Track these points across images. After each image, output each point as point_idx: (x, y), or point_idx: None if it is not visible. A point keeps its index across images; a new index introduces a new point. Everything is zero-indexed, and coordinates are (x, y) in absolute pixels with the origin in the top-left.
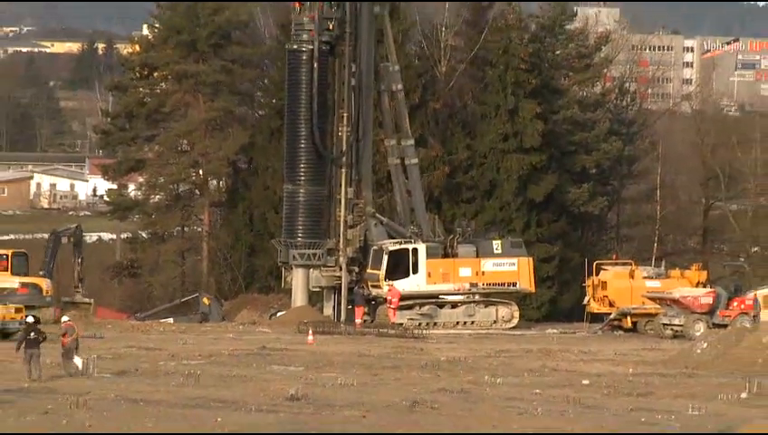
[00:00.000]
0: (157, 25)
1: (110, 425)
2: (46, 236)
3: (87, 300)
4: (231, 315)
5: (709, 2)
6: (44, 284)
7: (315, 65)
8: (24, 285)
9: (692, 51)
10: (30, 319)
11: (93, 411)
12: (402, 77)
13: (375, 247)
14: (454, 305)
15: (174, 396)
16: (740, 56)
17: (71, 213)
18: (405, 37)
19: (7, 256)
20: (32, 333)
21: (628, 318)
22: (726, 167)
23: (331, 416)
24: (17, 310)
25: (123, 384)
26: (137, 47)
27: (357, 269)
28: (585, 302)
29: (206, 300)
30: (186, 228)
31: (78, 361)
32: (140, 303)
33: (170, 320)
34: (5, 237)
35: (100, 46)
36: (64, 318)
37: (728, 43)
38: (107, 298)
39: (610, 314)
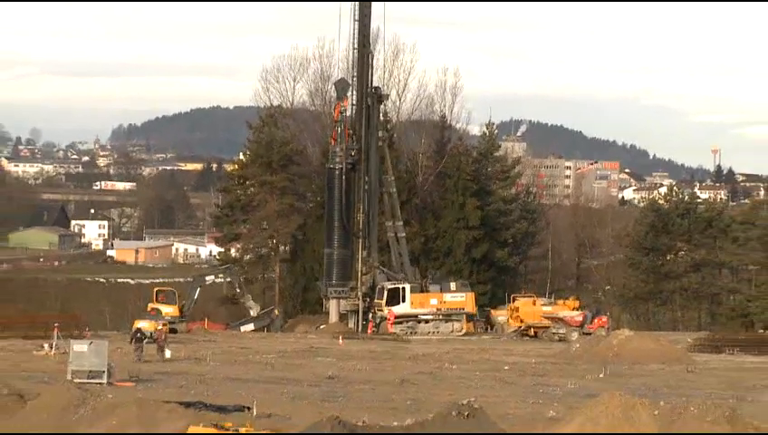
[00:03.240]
0: (248, 153)
1: (221, 396)
2: (181, 280)
3: (252, 305)
4: (292, 328)
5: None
6: (172, 310)
7: (344, 177)
8: (153, 309)
9: (570, 168)
10: (140, 324)
11: (209, 386)
12: (395, 184)
13: (379, 287)
14: (427, 321)
15: (258, 376)
16: (598, 172)
17: (196, 266)
18: (397, 159)
19: (154, 292)
20: (138, 334)
21: (532, 329)
22: (590, 238)
23: (353, 388)
24: (163, 324)
25: (227, 369)
26: (236, 166)
27: (368, 300)
28: (506, 319)
29: (276, 312)
30: (265, 276)
31: (167, 352)
32: (237, 320)
33: (251, 325)
34: (158, 280)
35: (214, 166)
36: (158, 326)
37: (591, 164)
38: (217, 317)
39: (521, 326)
